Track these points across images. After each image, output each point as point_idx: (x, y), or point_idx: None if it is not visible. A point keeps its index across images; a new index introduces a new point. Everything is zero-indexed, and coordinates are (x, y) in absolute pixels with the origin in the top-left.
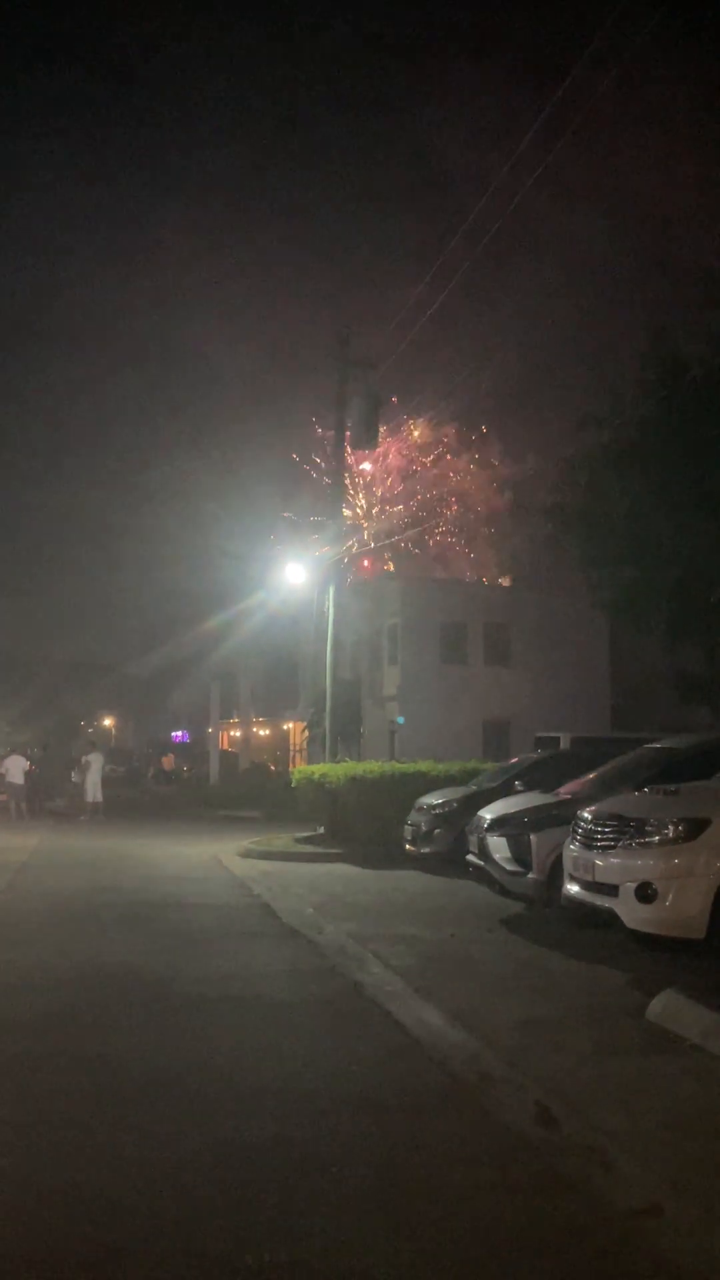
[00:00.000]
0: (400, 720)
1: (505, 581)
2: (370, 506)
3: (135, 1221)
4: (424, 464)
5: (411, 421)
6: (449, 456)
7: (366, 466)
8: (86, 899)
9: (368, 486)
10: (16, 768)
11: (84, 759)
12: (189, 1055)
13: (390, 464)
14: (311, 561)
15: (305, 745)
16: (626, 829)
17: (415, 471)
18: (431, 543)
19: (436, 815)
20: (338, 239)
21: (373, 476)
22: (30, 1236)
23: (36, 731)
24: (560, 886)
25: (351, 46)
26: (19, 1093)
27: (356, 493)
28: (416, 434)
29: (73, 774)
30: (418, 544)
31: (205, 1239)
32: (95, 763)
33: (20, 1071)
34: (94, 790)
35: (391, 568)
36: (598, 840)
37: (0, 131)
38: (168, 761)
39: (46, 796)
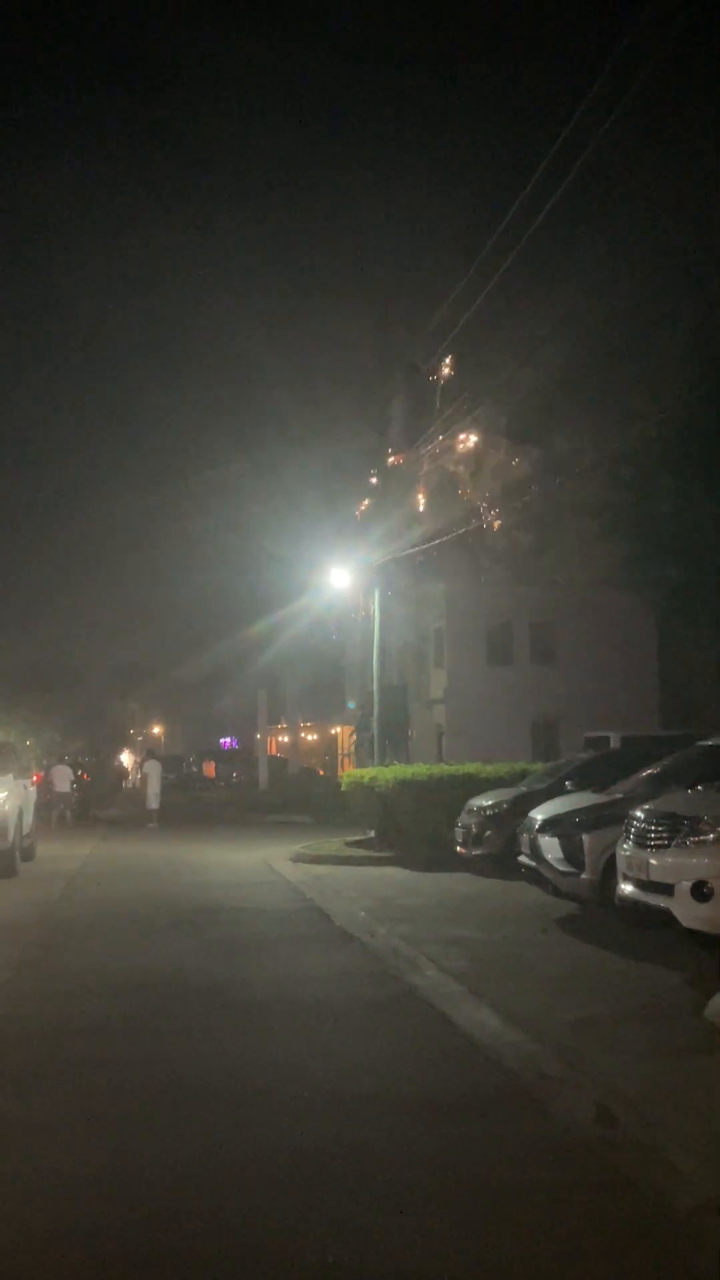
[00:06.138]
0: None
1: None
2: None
3: (196, 1222)
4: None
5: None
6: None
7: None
8: (139, 905)
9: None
10: (63, 777)
11: (143, 766)
12: (246, 1058)
13: (467, 462)
14: (358, 566)
15: (354, 749)
16: (680, 827)
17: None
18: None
19: (487, 817)
20: (381, 235)
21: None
22: (95, 1235)
23: (87, 739)
24: (614, 886)
25: (382, 40)
26: (78, 1096)
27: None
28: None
29: (134, 775)
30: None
31: (267, 1240)
32: (154, 771)
33: (78, 1075)
34: (154, 798)
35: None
36: (651, 839)
37: (31, 136)
38: (209, 769)
39: (100, 804)
